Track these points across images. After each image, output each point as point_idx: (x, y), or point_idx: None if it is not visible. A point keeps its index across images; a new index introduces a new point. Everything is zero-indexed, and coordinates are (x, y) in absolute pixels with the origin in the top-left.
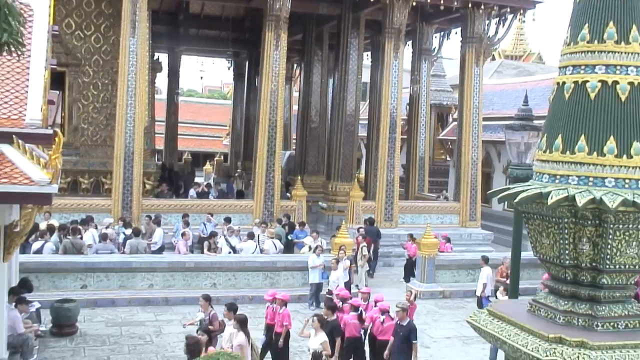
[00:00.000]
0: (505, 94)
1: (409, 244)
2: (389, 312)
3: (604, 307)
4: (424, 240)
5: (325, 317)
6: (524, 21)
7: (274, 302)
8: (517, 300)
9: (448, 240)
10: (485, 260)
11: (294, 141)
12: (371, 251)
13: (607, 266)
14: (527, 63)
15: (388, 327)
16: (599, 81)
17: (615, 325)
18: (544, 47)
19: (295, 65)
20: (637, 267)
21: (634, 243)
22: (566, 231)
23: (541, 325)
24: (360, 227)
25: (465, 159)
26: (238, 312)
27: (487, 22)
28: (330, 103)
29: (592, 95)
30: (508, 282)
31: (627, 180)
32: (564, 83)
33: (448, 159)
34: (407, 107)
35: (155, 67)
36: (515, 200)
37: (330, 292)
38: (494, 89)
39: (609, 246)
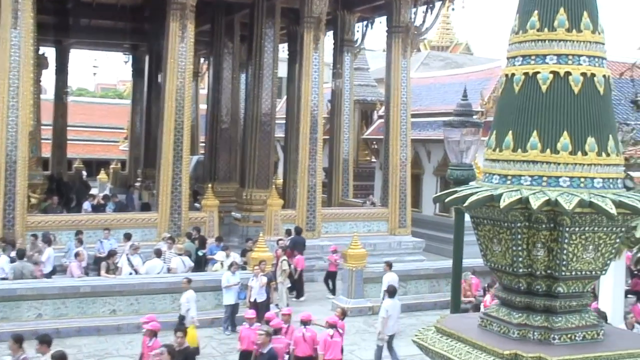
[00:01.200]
0: (434, 88)
1: (331, 256)
2: (336, 326)
3: (560, 318)
4: (350, 252)
5: (177, 346)
6: (453, 9)
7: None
8: (466, 314)
9: (335, 251)
10: (389, 265)
11: (203, 144)
12: (292, 266)
13: (563, 273)
14: (454, 54)
15: (333, 344)
16: (551, 72)
17: (573, 337)
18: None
19: (202, 59)
20: (593, 272)
21: (590, 247)
22: (519, 236)
23: (494, 341)
24: (280, 239)
25: (393, 160)
26: (59, 349)
27: (414, 10)
28: (243, 101)
29: (544, 88)
30: (475, 301)
31: (582, 179)
32: (513, 75)
33: (374, 160)
34: (329, 104)
35: (40, 62)
36: (465, 204)
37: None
38: (422, 83)
39: (565, 251)
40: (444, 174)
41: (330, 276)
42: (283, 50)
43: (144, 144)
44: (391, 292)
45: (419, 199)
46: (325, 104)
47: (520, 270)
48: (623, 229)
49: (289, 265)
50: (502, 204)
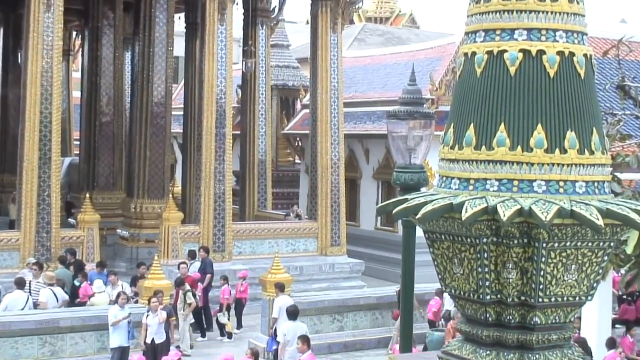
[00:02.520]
0: (372, 70)
1: (224, 288)
2: None
3: (537, 356)
4: (270, 277)
5: None
6: None
7: None
8: (422, 353)
9: (244, 278)
10: (281, 288)
11: (77, 143)
12: (198, 297)
13: (540, 299)
14: (396, 27)
15: None
16: (521, 51)
17: None
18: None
19: (75, 34)
20: (577, 298)
21: (573, 266)
22: (485, 255)
23: None
24: (182, 263)
25: (323, 161)
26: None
27: None
28: (129, 87)
29: (512, 70)
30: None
31: (561, 183)
32: (474, 54)
33: (298, 161)
34: (239, 90)
35: None
36: (417, 216)
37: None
38: (356, 63)
39: (542, 272)
40: (387, 177)
41: (238, 307)
42: (179, 21)
43: (0, 144)
44: (292, 312)
45: (356, 209)
46: (234, 90)
47: (488, 297)
48: (612, 244)
49: (194, 296)
50: (464, 215)
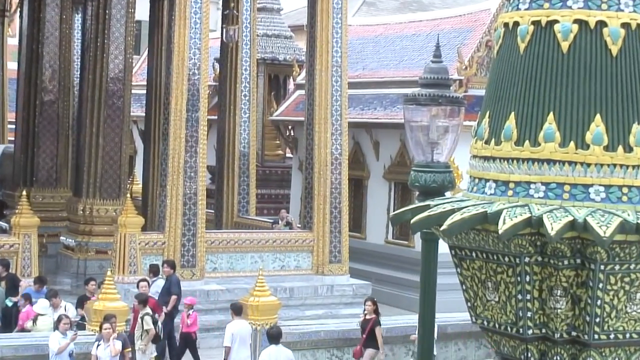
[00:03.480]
0: (385, 42)
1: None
2: None
3: None
4: (252, 301)
5: None
6: None
7: None
8: None
9: (191, 307)
10: (236, 310)
11: (12, 127)
12: (160, 323)
13: (596, 335)
14: None
15: None
16: (575, 22)
17: None
18: None
19: None
20: None
21: (638, 295)
22: (527, 279)
23: None
24: (142, 280)
25: (321, 156)
26: None
27: None
28: (79, 58)
29: (565, 46)
30: None
31: (625, 189)
32: (516, 24)
33: (289, 155)
34: (217, 65)
35: None
36: (442, 228)
37: None
38: (365, 34)
39: (599, 302)
40: (402, 178)
41: (188, 344)
42: None
43: None
44: (274, 336)
45: (362, 217)
46: (210, 64)
47: (530, 331)
48: None
49: (155, 322)
50: (502, 228)
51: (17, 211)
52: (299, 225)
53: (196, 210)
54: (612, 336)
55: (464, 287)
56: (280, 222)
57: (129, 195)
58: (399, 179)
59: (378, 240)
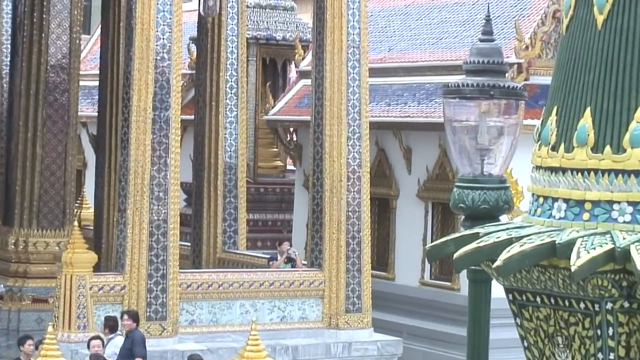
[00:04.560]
0: (418, 16)
1: None
2: None
3: None
4: None
5: None
6: None
7: None
8: None
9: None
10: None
11: None
12: None
13: None
14: None
15: None
16: None
17: None
18: None
19: None
20: None
21: None
22: (611, 332)
23: None
24: (95, 338)
25: (334, 168)
26: None
27: None
28: (9, 40)
29: None
30: None
31: None
32: None
33: (291, 167)
34: (194, 47)
35: None
36: (497, 264)
37: None
38: (391, 4)
39: None
40: (442, 197)
41: None
42: None
43: None
44: None
45: (389, 250)
46: (185, 46)
47: None
48: None
49: None
50: (575, 264)
51: None
52: (305, 262)
53: (166, 242)
54: None
55: (525, 343)
56: (279, 257)
57: (76, 223)
58: (439, 199)
59: (411, 281)
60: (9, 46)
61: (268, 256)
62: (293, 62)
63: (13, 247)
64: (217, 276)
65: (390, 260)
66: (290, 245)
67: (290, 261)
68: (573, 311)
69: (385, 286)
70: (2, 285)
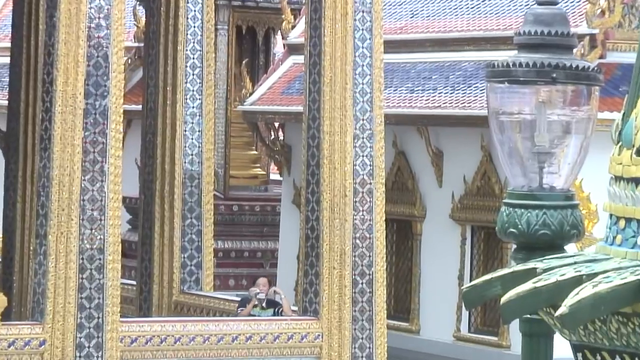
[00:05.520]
0: None
1: None
2: None
3: None
4: None
5: None
6: None
7: None
8: None
9: None
10: None
11: None
12: None
13: None
14: None
15: None
16: None
17: None
18: None
19: None
20: None
21: None
22: None
23: None
24: None
25: (335, 178)
26: None
27: None
28: None
29: None
30: None
31: None
32: None
33: (275, 177)
34: (141, 11)
35: None
36: (560, 312)
37: None
38: None
39: None
40: (486, 219)
41: None
42: None
43: None
44: None
45: (412, 292)
46: (130, 10)
47: None
48: None
49: None
50: None
51: None
52: (295, 308)
53: (103, 280)
54: None
55: None
56: (255, 300)
57: None
58: (481, 221)
59: (443, 335)
60: None
61: (239, 298)
62: (279, 31)
63: None
64: (173, 327)
65: (413, 306)
66: (271, 285)
67: (273, 306)
68: None
69: (406, 342)
70: None
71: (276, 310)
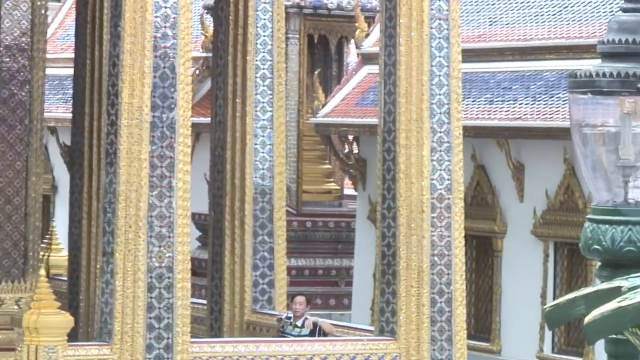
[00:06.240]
0: None
1: None
2: None
3: None
4: None
5: None
6: None
7: None
8: None
9: None
10: None
11: None
12: None
13: None
14: None
15: None
16: None
17: None
18: None
19: None
20: None
21: None
22: None
23: None
24: None
25: (412, 193)
26: None
27: None
28: None
29: None
30: None
31: None
32: None
33: (349, 192)
34: (208, 19)
35: None
36: None
37: None
38: None
39: None
40: (569, 234)
41: None
42: None
43: None
44: None
45: (492, 312)
46: (197, 18)
47: None
48: None
49: None
50: None
51: None
52: (372, 328)
53: (172, 300)
54: None
55: None
56: (283, 321)
57: (43, 272)
58: (564, 237)
59: (525, 355)
60: None
61: (280, 316)
62: (352, 40)
63: None
64: (246, 348)
65: (494, 325)
66: (309, 303)
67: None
68: None
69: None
70: None
71: (315, 329)
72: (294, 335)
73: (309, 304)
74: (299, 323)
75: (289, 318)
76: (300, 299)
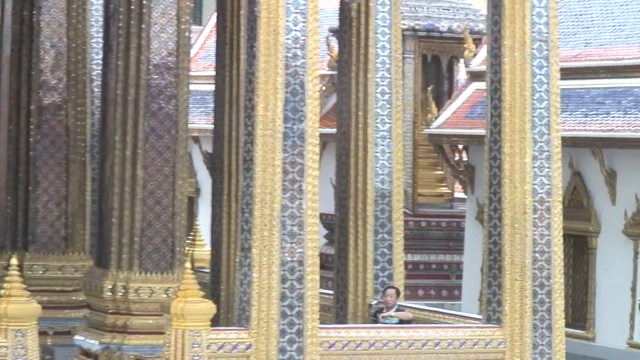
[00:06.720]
0: None
1: None
2: None
3: None
4: None
5: None
6: None
7: None
8: None
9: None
10: None
11: None
12: None
13: None
14: None
15: None
16: None
17: None
18: None
19: None
20: None
21: None
22: None
23: None
24: None
25: (516, 196)
26: None
27: None
28: (100, 33)
29: None
30: None
31: None
32: None
33: (460, 195)
34: (333, 41)
35: None
36: None
37: None
38: None
39: None
40: None
41: None
42: None
43: None
44: None
45: (587, 303)
46: (323, 40)
47: None
48: None
49: None
50: None
51: (2, 292)
52: (480, 317)
53: (303, 290)
54: None
55: None
56: (386, 306)
57: (188, 264)
58: None
59: (617, 342)
60: (100, 40)
61: (373, 302)
62: (462, 59)
63: (110, 294)
64: (368, 333)
65: (589, 315)
66: (399, 295)
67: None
68: None
69: (583, 348)
70: (97, 343)
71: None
72: (385, 324)
73: (398, 295)
74: (392, 313)
75: (378, 307)
76: (390, 291)
